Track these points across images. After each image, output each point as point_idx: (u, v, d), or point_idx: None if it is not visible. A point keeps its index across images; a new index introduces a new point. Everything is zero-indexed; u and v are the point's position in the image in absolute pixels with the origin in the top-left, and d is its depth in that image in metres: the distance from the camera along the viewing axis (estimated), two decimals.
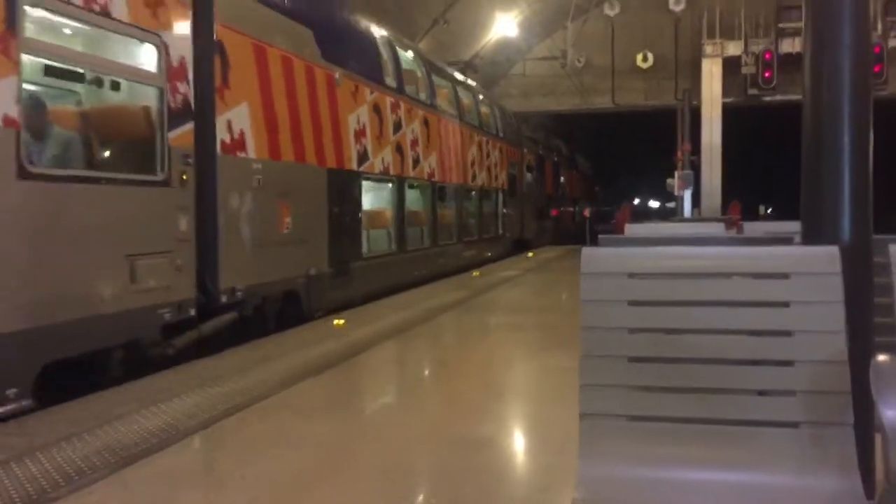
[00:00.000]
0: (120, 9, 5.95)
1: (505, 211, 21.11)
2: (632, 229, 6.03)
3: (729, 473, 2.13)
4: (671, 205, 34.50)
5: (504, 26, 24.39)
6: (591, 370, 2.27)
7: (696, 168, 24.93)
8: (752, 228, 6.13)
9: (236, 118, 7.67)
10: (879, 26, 23.01)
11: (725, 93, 25.27)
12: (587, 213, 30.95)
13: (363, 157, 11.21)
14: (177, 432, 4.44)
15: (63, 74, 6.04)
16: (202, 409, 4.95)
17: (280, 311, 8.69)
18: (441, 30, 22.70)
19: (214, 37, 7.30)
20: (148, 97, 6.50)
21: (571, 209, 35.40)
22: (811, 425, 2.12)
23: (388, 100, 12.40)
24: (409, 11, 20.81)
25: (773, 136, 37.09)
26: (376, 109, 11.81)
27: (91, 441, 4.26)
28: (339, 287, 10.14)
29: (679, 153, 24.57)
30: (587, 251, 2.35)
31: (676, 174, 24.25)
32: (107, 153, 6.54)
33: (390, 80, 12.60)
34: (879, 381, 1.86)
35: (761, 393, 2.19)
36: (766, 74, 24.11)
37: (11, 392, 4.88)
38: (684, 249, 2.44)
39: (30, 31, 5.20)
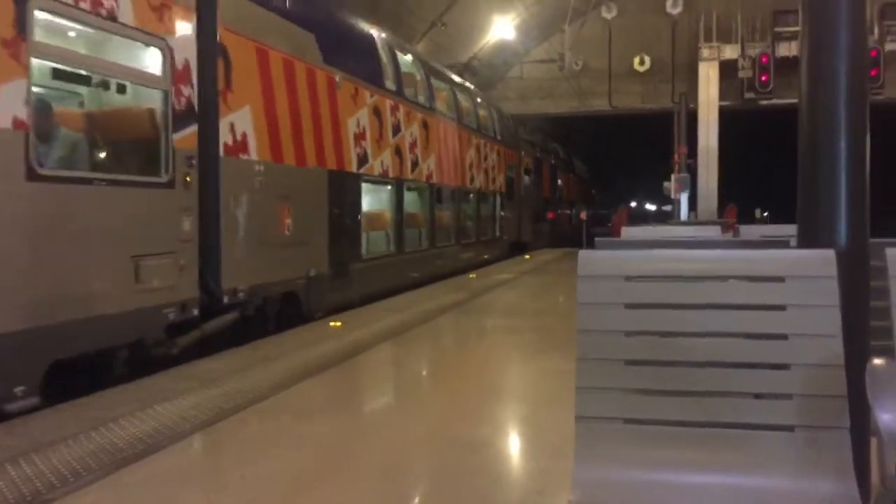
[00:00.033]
0: (126, 13, 6.03)
1: (502, 213, 21.16)
2: (628, 232, 6.03)
3: (725, 476, 2.13)
4: (668, 208, 34.54)
5: (501, 29, 24.43)
6: (588, 373, 2.27)
7: (692, 171, 24.98)
8: (749, 232, 6.14)
9: (239, 120, 7.74)
10: (876, 30, 23.07)
11: (722, 96, 25.31)
12: (584, 215, 30.98)
13: (363, 160, 11.28)
14: (174, 434, 4.43)
15: (71, 77, 6.13)
16: (201, 410, 4.94)
17: (280, 312, 8.75)
18: (438, 32, 22.73)
19: (218, 40, 7.37)
20: (153, 100, 6.58)
21: (568, 212, 35.43)
22: (807, 429, 2.12)
23: (388, 102, 12.47)
24: (407, 13, 20.82)
25: (769, 139, 37.20)
26: (376, 112, 11.89)
27: (86, 443, 4.25)
28: (339, 288, 10.21)
29: (676, 156, 24.63)
30: (584, 254, 2.35)
31: (673, 177, 24.31)
32: (113, 155, 6.62)
33: (390, 84, 12.66)
34: (875, 384, 1.86)
35: (757, 396, 2.20)
36: (763, 78, 24.15)
37: (19, 390, 4.95)
38: (681, 252, 2.45)
39: (39, 35, 5.27)
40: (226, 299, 7.41)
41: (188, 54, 6.84)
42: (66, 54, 5.84)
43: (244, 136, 7.84)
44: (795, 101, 2.65)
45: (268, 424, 4.76)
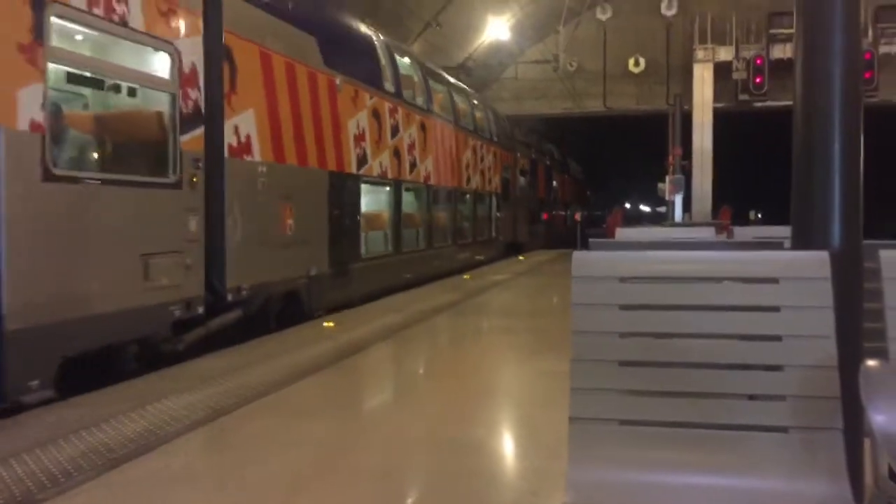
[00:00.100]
0: (136, 18, 6.18)
1: (498, 214, 21.24)
2: (623, 233, 6.04)
3: (719, 477, 2.14)
4: (662, 209, 34.60)
5: (496, 29, 24.43)
6: (582, 374, 2.27)
7: (687, 173, 25.01)
8: (743, 233, 6.14)
9: (243, 122, 7.91)
10: (870, 33, 23.17)
11: (717, 98, 25.37)
12: (578, 216, 31.02)
13: (362, 161, 11.43)
14: (165, 434, 4.41)
15: (84, 81, 6.30)
16: (196, 409, 4.93)
17: (281, 311, 8.89)
18: (433, 32, 22.74)
19: (223, 44, 7.53)
20: (161, 103, 6.74)
21: (563, 213, 35.47)
22: (801, 430, 2.12)
23: (387, 105, 12.61)
24: (406, 14, 20.82)
25: (763, 141, 37.29)
26: (375, 114, 12.03)
27: (79, 444, 4.24)
28: (339, 287, 10.35)
29: (670, 158, 24.66)
30: (578, 255, 2.35)
31: (667, 179, 24.33)
32: (123, 156, 6.78)
33: (389, 86, 12.81)
34: (868, 386, 1.86)
35: (751, 397, 2.20)
36: (757, 80, 24.23)
37: (34, 383, 5.10)
38: (675, 254, 2.45)
39: (55, 40, 5.42)
40: (230, 297, 7.56)
41: (195, 58, 7.00)
42: (80, 59, 6.00)
43: (248, 137, 7.99)
44: (790, 103, 2.65)
45: (263, 423, 4.75)
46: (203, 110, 7.10)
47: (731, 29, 24.95)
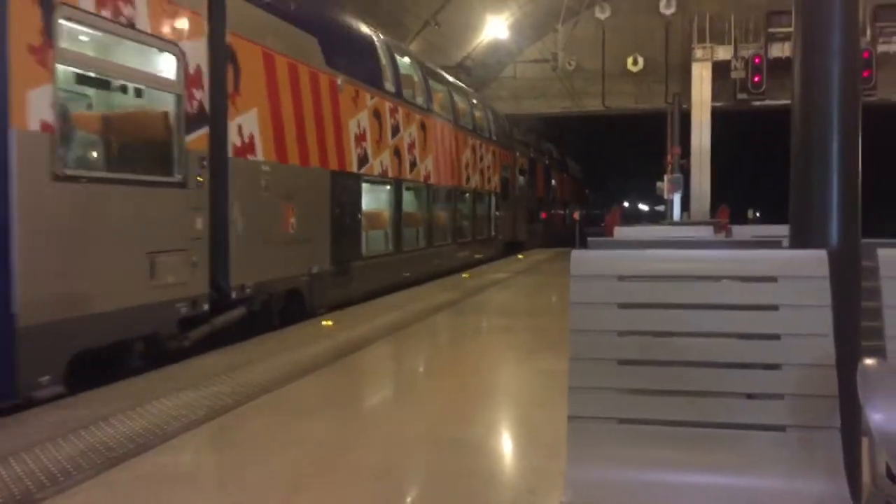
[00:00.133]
0: (143, 20, 6.29)
1: (498, 213, 21.30)
2: (621, 232, 6.04)
3: (717, 476, 2.14)
4: (661, 208, 34.59)
5: (495, 29, 24.43)
6: (580, 373, 2.27)
7: (685, 172, 25.02)
8: (741, 232, 6.14)
9: (246, 122, 8.00)
10: (868, 32, 23.17)
11: (715, 97, 25.38)
12: (577, 215, 31.02)
13: (363, 160, 11.53)
14: (165, 433, 4.41)
15: (92, 82, 6.41)
16: (195, 407, 4.93)
17: (284, 308, 8.99)
18: (432, 31, 22.72)
19: (227, 45, 7.61)
20: (167, 103, 6.85)
21: (562, 212, 35.48)
22: (798, 428, 2.13)
23: (387, 104, 12.71)
24: (404, 12, 20.81)
25: (762, 140, 37.26)
26: (376, 114, 12.13)
27: (79, 442, 4.24)
28: (340, 285, 10.48)
29: (669, 157, 24.65)
30: (577, 254, 2.35)
31: (666, 178, 24.33)
32: (129, 156, 6.88)
33: (389, 86, 12.91)
34: (866, 384, 1.86)
35: (749, 396, 2.20)
36: (756, 79, 24.24)
37: (45, 379, 5.20)
38: (673, 252, 2.45)
39: (64, 42, 5.50)
40: (234, 295, 7.66)
41: (199, 59, 7.10)
42: (88, 60, 6.10)
43: (251, 137, 8.09)
44: (788, 101, 2.65)
45: (263, 422, 4.75)
46: (208, 110, 7.21)
47: (730, 28, 24.97)
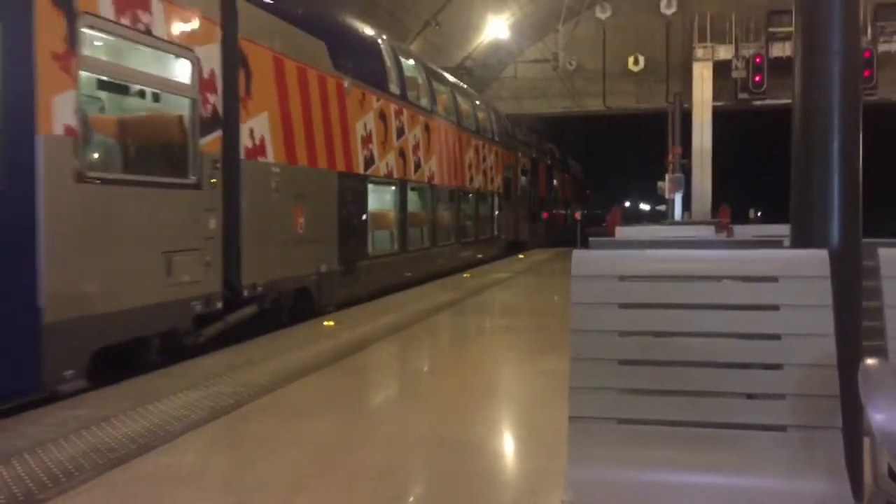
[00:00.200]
0: (160, 27, 6.49)
1: (500, 213, 21.40)
2: (622, 232, 6.04)
3: (718, 476, 2.14)
4: (662, 208, 34.59)
5: (496, 29, 24.44)
6: (581, 373, 2.27)
7: (686, 171, 25.02)
8: (742, 232, 6.14)
9: (258, 125, 8.20)
10: (869, 31, 23.17)
11: (716, 96, 25.38)
12: (578, 215, 31.02)
13: (369, 162, 11.74)
14: (167, 433, 4.42)
15: (112, 87, 6.61)
16: (197, 408, 4.93)
17: (293, 306, 9.16)
18: (433, 32, 22.73)
19: (239, 50, 7.79)
20: (182, 107, 7.06)
21: (563, 212, 35.49)
22: (800, 429, 2.13)
23: (392, 106, 12.87)
24: (403, 12, 20.81)
25: (763, 140, 37.23)
26: (381, 116, 12.30)
27: (80, 443, 4.24)
28: (347, 284, 10.67)
29: (670, 156, 24.65)
30: (578, 254, 2.35)
31: (667, 177, 24.33)
32: (147, 158, 7.07)
33: (394, 88, 13.08)
34: (867, 384, 1.86)
35: (750, 396, 2.20)
36: (757, 78, 24.23)
37: (69, 373, 5.38)
38: (674, 252, 2.45)
39: (85, 49, 5.67)
40: (246, 293, 7.85)
41: (213, 64, 7.28)
42: (108, 66, 6.29)
43: (262, 139, 8.29)
44: (789, 101, 2.65)
45: (264, 422, 4.75)
46: (221, 114, 7.43)
47: (731, 27, 24.96)
